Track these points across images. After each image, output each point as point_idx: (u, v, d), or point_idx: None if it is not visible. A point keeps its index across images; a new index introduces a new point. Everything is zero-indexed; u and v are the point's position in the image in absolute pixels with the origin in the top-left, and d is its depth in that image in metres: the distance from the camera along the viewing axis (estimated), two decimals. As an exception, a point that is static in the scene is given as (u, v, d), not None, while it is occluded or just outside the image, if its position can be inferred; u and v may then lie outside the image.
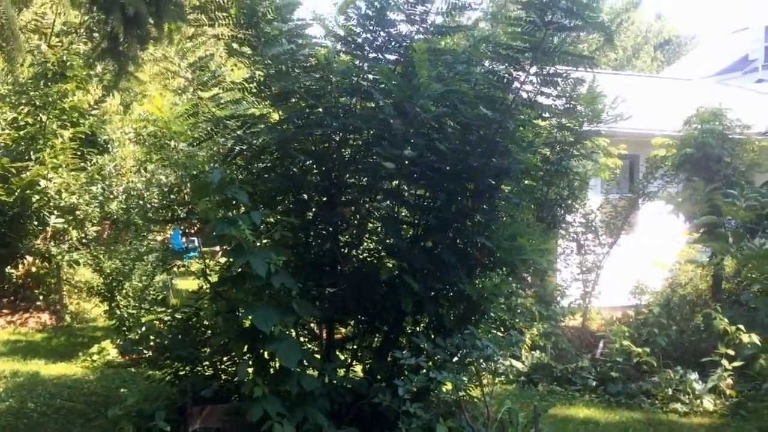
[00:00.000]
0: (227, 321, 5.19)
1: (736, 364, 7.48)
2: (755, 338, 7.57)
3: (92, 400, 7.42)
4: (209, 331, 6.29)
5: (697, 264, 9.65)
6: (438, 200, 5.01)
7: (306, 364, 5.11)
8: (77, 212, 10.48)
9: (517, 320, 5.95)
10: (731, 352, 7.50)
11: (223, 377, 5.89)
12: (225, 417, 5.19)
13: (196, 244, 15.99)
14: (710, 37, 29.87)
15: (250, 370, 5.14)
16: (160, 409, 5.44)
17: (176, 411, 5.62)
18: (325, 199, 5.84)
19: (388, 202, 5.39)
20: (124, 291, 10.02)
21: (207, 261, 6.79)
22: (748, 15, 20.58)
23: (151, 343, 9.55)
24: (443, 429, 4.56)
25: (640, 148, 11.49)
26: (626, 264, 10.33)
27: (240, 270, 4.77)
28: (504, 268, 5.28)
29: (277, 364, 4.85)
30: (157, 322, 9.55)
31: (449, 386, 5.20)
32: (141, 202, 11.75)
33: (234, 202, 5.58)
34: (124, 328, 9.95)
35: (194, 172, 4.97)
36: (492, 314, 5.38)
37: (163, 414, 5.38)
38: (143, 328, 9.75)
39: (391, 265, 4.85)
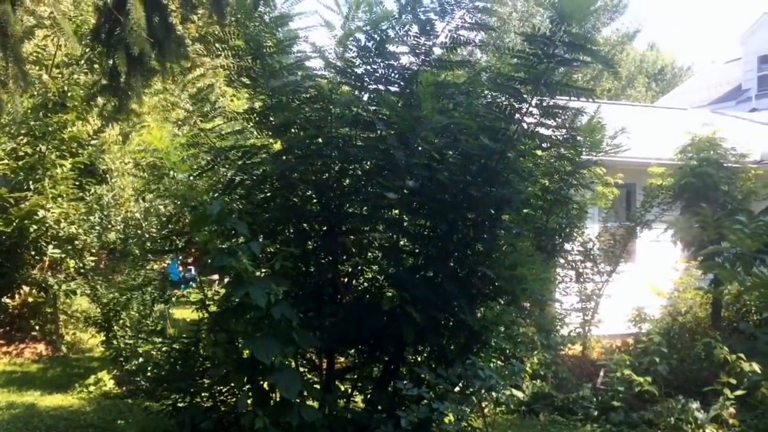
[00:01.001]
0: (227, 352, 5.17)
1: (738, 392, 7.45)
2: (756, 367, 7.55)
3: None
4: (208, 362, 6.27)
5: (703, 291, 9.65)
6: (439, 230, 5.02)
7: (306, 395, 5.08)
8: (76, 242, 10.45)
9: (518, 349, 5.91)
10: (733, 381, 7.47)
11: (222, 409, 5.84)
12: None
13: (194, 273, 15.98)
14: (704, 67, 30.24)
15: (250, 401, 5.11)
16: (160, 440, 5.38)
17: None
18: (325, 228, 5.86)
19: (388, 232, 5.40)
20: (121, 321, 9.97)
21: (206, 291, 6.79)
22: (741, 45, 20.86)
23: (149, 374, 9.53)
24: (446, 460, 4.52)
25: (636, 176, 11.57)
26: (625, 292, 10.32)
27: (239, 300, 4.76)
28: (505, 297, 5.29)
29: (278, 395, 4.82)
30: (154, 353, 9.55)
31: (451, 417, 5.17)
32: (139, 232, 11.75)
33: (233, 231, 5.62)
34: (121, 359, 9.88)
35: (194, 204, 4.98)
36: (493, 344, 5.35)
37: (162, 445, 5.32)
38: (140, 359, 9.71)
39: (392, 295, 4.84)
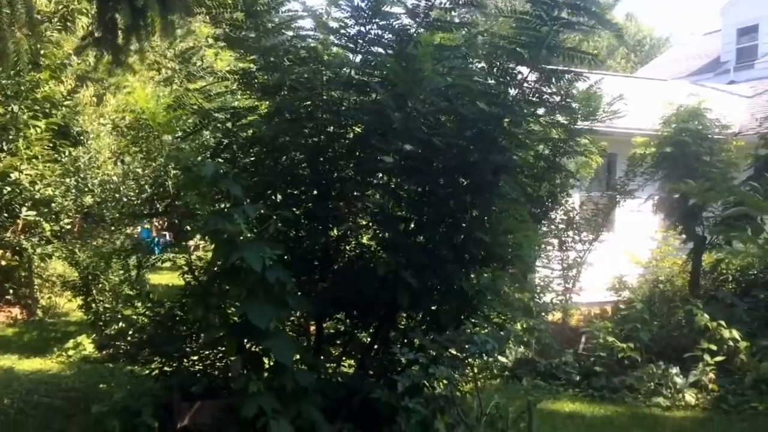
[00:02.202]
0: (219, 317, 5.09)
1: (719, 359, 7.61)
2: (736, 333, 7.71)
3: (71, 396, 7.24)
4: (194, 327, 6.19)
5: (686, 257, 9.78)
6: (435, 195, 4.97)
7: (299, 359, 5.04)
8: (52, 204, 10.20)
9: (517, 315, 5.95)
10: (714, 347, 7.62)
11: (212, 373, 5.78)
12: (217, 413, 5.09)
13: (168, 239, 15.82)
14: (682, 39, 30.37)
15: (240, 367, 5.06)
16: (147, 405, 5.31)
17: (163, 407, 5.49)
18: (315, 193, 5.76)
19: (382, 198, 5.33)
20: (100, 285, 9.82)
21: (191, 256, 6.68)
22: (720, 17, 20.93)
23: (130, 338, 9.43)
24: (441, 425, 4.54)
25: (618, 147, 11.60)
26: (604, 261, 10.43)
27: (233, 265, 4.66)
28: (499, 263, 5.27)
29: (271, 360, 4.77)
30: (136, 317, 9.43)
31: (443, 382, 5.18)
32: (117, 196, 11.54)
33: (218, 196, 5.50)
34: (101, 323, 9.75)
35: (186, 165, 4.85)
36: (486, 309, 5.36)
37: (150, 410, 5.26)
38: (121, 323, 9.59)
39: (387, 260, 4.79)
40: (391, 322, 5.58)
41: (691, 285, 9.94)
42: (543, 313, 9.03)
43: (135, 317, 9.62)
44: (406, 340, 5.27)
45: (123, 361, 8.93)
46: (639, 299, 8.62)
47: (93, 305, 9.66)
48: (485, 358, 4.76)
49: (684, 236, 9.94)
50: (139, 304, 10.28)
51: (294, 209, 5.62)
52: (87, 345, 9.39)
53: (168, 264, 10.94)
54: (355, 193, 5.64)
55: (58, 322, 11.75)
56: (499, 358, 7.55)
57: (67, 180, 10.91)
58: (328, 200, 5.59)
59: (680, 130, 9.54)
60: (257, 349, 4.81)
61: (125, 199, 11.35)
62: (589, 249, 10.05)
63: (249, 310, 4.45)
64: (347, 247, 5.87)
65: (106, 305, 9.87)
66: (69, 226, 11.44)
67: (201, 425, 4.96)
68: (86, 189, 11.26)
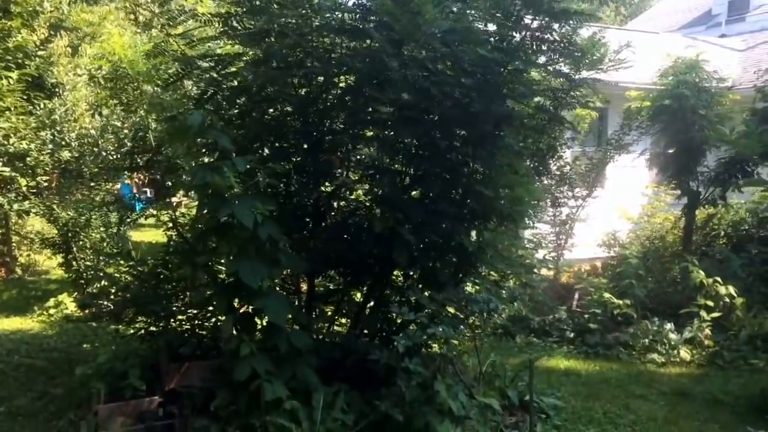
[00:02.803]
0: (208, 276, 4.85)
1: (714, 315, 7.53)
2: (732, 289, 7.63)
3: (53, 357, 7.02)
4: (179, 285, 5.95)
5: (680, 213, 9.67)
6: (435, 148, 4.70)
7: (290, 319, 4.83)
8: (28, 159, 9.79)
9: (508, 273, 5.77)
10: (710, 303, 7.54)
11: (201, 333, 5.57)
12: (206, 374, 4.89)
13: (149, 194, 15.41)
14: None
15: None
16: (133, 367, 5.09)
17: (150, 369, 5.29)
18: (306, 146, 5.47)
19: (378, 151, 5.05)
20: (80, 243, 9.51)
21: (175, 212, 6.41)
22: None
23: (113, 297, 9.17)
24: (441, 386, 4.37)
25: (609, 101, 11.35)
26: (595, 217, 10.28)
27: (223, 221, 4.40)
28: (499, 220, 5.06)
29: (264, 320, 4.54)
30: (118, 275, 9.15)
31: (440, 341, 5.02)
32: (95, 150, 11.12)
33: (204, 150, 5.19)
34: (82, 281, 9.48)
35: (171, 114, 4.52)
36: (484, 267, 5.17)
37: (137, 372, 5.05)
38: (103, 282, 9.32)
39: (384, 217, 4.55)
40: (386, 280, 5.38)
41: (684, 241, 9.83)
42: (535, 270, 8.88)
43: (118, 275, 9.37)
44: (402, 299, 5.08)
45: (106, 321, 8.64)
46: (634, 255, 8.48)
47: (74, 263, 9.37)
48: (487, 317, 4.58)
49: (678, 191, 9.78)
50: (122, 262, 10.08)
51: (283, 164, 5.35)
52: (68, 304, 9.13)
53: (150, 221, 10.67)
54: (348, 146, 5.37)
55: (38, 280, 11.44)
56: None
57: (43, 133, 10.45)
58: (319, 154, 5.31)
59: (678, 83, 9.28)
60: (248, 309, 4.58)
61: (104, 154, 10.94)
62: (582, 205, 9.88)
63: (240, 269, 4.20)
64: (340, 203, 5.61)
65: (88, 263, 9.59)
66: (46, 183, 11.05)
67: (190, 387, 4.76)
68: (63, 143, 10.81)
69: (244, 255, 4.31)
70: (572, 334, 8.04)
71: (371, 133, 5.38)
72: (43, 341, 7.58)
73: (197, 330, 5.64)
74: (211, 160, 4.63)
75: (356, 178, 5.46)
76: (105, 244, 9.93)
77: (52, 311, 8.93)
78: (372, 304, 5.53)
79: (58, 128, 10.69)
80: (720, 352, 7.31)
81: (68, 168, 11.40)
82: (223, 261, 4.95)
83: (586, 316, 8.10)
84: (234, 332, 4.61)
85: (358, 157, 5.34)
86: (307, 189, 5.44)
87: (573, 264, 10.47)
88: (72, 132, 10.93)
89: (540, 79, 5.41)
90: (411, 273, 5.28)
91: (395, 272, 5.37)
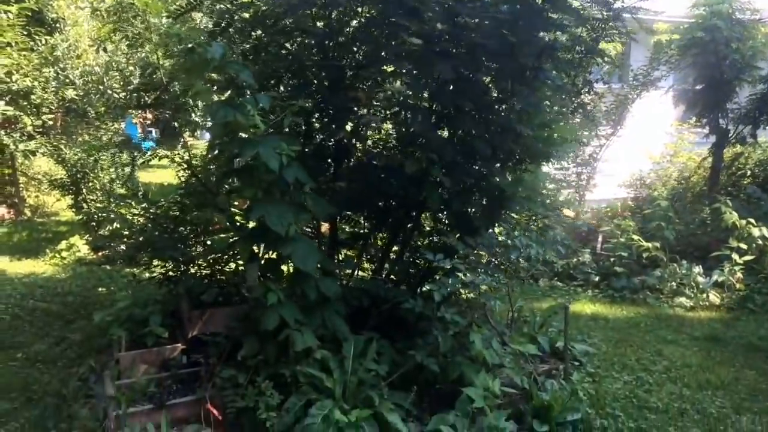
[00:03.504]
0: (229, 220, 4.61)
1: (747, 258, 7.31)
2: (765, 231, 7.38)
3: (69, 301, 6.87)
4: (198, 228, 5.73)
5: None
6: (470, 83, 4.37)
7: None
8: (32, 97, 9.44)
9: (547, 213, 5.52)
10: (744, 246, 7.31)
11: (221, 279, 5.37)
12: (229, 321, 4.71)
13: (154, 134, 15.01)
14: None
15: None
16: (154, 313, 4.91)
17: (170, 315, 5.11)
18: (327, 83, 5.14)
19: (409, 86, 4.70)
20: (90, 184, 9.27)
21: (190, 152, 6.11)
22: None
23: (125, 240, 8.99)
24: (477, 335, 4.18)
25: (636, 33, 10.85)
26: (617, 157, 9.95)
27: (246, 163, 4.13)
28: (536, 160, 4.78)
29: (289, 267, 4.32)
30: (131, 218, 8.94)
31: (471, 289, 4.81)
32: (101, 88, 10.76)
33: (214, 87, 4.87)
34: (93, 224, 9.30)
35: (189, 46, 4.17)
36: (518, 209, 4.91)
37: (158, 319, 4.86)
38: (115, 224, 9.12)
39: (417, 158, 4.26)
40: (414, 224, 5.13)
41: (711, 181, 9.55)
42: (558, 211, 8.62)
43: (131, 218, 9.17)
44: (435, 243, 4.85)
45: (120, 264, 8.53)
46: (663, 197, 8.20)
47: (84, 205, 9.16)
48: (526, 263, 4.35)
49: (704, 129, 9.43)
50: (133, 204, 9.86)
51: (304, 100, 5.02)
52: (81, 246, 8.97)
53: (156, 162, 10.39)
54: (374, 81, 5.02)
55: (47, 222, 11.26)
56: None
57: (46, 71, 10.07)
58: (342, 90, 4.96)
59: (711, 14, 8.81)
60: (274, 255, 4.34)
61: (110, 92, 10.60)
62: (605, 144, 9.54)
63: (266, 214, 3.95)
64: (365, 144, 5.32)
65: (98, 205, 9.39)
66: (51, 122, 10.73)
67: (215, 334, 4.57)
68: (67, 81, 10.44)
69: (269, 199, 4.06)
70: (597, 278, 7.85)
71: (394, 68, 5.01)
72: (58, 285, 7.42)
73: (218, 276, 5.45)
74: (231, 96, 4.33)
75: (383, 116, 5.13)
76: (115, 185, 9.70)
77: (64, 254, 8.77)
78: (398, 249, 5.29)
79: (61, 65, 10.30)
80: (751, 295, 7.12)
81: (72, 107, 11.07)
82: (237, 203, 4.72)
83: (612, 259, 7.89)
84: (259, 280, 4.39)
85: (387, 93, 4.99)
86: (330, 128, 5.13)
87: (595, 205, 10.21)
88: (76, 69, 10.55)
89: (579, 7, 5.01)
90: (440, 217, 5.03)
91: (423, 216, 5.12)
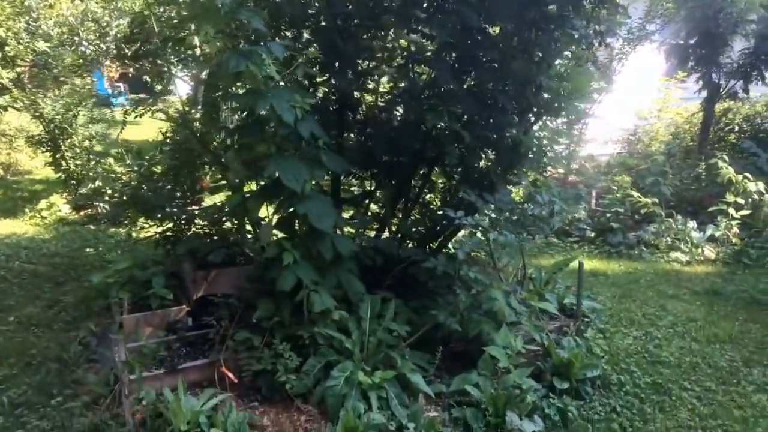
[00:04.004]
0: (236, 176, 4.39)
1: (744, 212, 7.34)
2: (762, 186, 7.40)
3: (56, 262, 6.61)
4: (189, 185, 5.51)
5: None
6: (487, 35, 4.18)
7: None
8: (6, 48, 8.95)
9: (557, 168, 5.42)
10: (741, 201, 7.33)
11: (226, 238, 5.17)
12: (237, 282, 4.55)
13: (123, 90, 14.39)
14: None
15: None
16: (157, 275, 4.73)
17: (171, 277, 4.93)
18: (340, 31, 4.85)
19: (426, 37, 4.49)
20: (69, 140, 8.90)
21: (185, 107, 5.83)
22: None
23: (108, 198, 8.70)
24: (498, 293, 4.09)
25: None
26: (609, 112, 9.87)
27: (258, 117, 3.91)
28: (553, 113, 4.65)
29: (302, 225, 4.13)
30: (114, 175, 8.65)
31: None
32: (76, 39, 10.26)
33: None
34: (73, 182, 8.97)
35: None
36: (534, 165, 4.80)
37: (162, 280, 4.68)
38: (97, 182, 8.82)
39: (438, 111, 4.08)
40: (425, 181, 4.99)
41: (701, 136, 9.55)
42: (550, 167, 8.55)
43: (114, 175, 8.87)
44: (445, 201, 4.72)
45: (105, 223, 8.27)
46: (660, 152, 8.17)
47: (63, 163, 8.80)
48: (552, 219, 4.25)
49: (699, 83, 9.38)
50: (112, 161, 9.52)
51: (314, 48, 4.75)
52: (61, 206, 8.65)
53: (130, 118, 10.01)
54: (392, 30, 4.78)
55: (21, 180, 10.84)
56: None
57: (16, 21, 9.54)
58: (355, 38, 4.70)
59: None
60: (286, 214, 4.16)
61: (85, 44, 10.12)
62: (598, 99, 9.43)
63: (281, 170, 3.77)
64: (378, 98, 5.11)
65: (77, 162, 9.04)
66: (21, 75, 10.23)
67: (224, 295, 4.40)
68: (39, 32, 9.92)
69: (283, 155, 3.87)
70: (593, 234, 7.83)
71: (420, 14, 4.76)
72: (42, 246, 7.14)
73: (217, 235, 5.24)
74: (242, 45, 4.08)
75: (397, 68, 4.90)
76: (94, 141, 9.34)
77: (44, 213, 8.44)
78: (406, 207, 5.16)
79: (33, 15, 9.77)
80: (746, 249, 7.17)
81: (41, 61, 10.56)
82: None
83: (608, 215, 7.85)
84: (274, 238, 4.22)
85: (404, 42, 4.77)
86: (342, 80, 4.88)
87: (586, 161, 10.16)
88: (49, 20, 10.03)
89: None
90: (453, 173, 4.89)
91: (435, 171, 4.98)
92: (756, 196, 7.38)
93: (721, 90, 9.26)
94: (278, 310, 4.03)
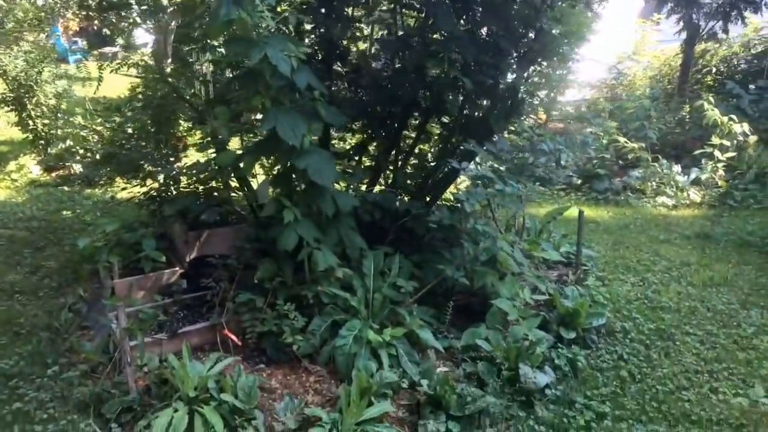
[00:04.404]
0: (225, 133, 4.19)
1: (729, 154, 7.36)
2: (747, 127, 7.41)
3: (34, 226, 6.36)
4: (162, 142, 5.27)
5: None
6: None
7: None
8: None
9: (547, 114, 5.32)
10: (727, 143, 7.34)
11: (204, 196, 4.97)
12: (232, 242, 4.40)
13: (81, 45, 13.84)
14: None
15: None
16: (147, 237, 4.54)
17: (161, 238, 4.75)
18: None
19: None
20: (35, 99, 8.50)
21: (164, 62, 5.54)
22: None
23: (79, 158, 8.38)
24: (505, 243, 4.02)
25: None
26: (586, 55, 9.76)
27: (250, 68, 3.70)
28: (549, 59, 4.51)
29: (301, 182, 3.97)
30: (85, 134, 8.33)
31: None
32: (33, -10, 9.72)
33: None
34: (42, 142, 8.61)
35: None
36: (530, 111, 4.69)
37: (153, 243, 4.50)
38: (68, 141, 8.48)
39: (439, 58, 3.91)
40: (420, 131, 4.85)
41: (681, 78, 9.50)
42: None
43: (85, 133, 8.54)
44: (440, 151, 4.60)
45: (79, 184, 7.98)
46: (646, 96, 8.11)
47: (30, 122, 8.43)
48: (558, 166, 4.17)
49: (680, 24, 9.28)
50: (81, 119, 9.15)
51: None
52: (32, 167, 8.32)
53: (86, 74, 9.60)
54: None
55: (-16, 142, 10.40)
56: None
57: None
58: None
59: None
60: (284, 170, 3.99)
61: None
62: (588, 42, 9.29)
63: (278, 122, 3.59)
64: (372, 45, 4.90)
65: (45, 121, 8.67)
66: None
67: (214, 255, 4.26)
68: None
69: (279, 108, 3.69)
70: (579, 181, 7.80)
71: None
72: (16, 209, 6.86)
73: (201, 195, 5.02)
74: None
75: (387, 10, 4.69)
76: (62, 99, 8.95)
77: (14, 176, 8.12)
78: (401, 159, 5.03)
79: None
80: (730, 192, 7.21)
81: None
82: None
83: (594, 161, 7.82)
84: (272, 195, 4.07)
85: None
86: (332, 28, 4.66)
87: (563, 106, 10.06)
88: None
89: None
90: (448, 122, 4.75)
91: (432, 120, 4.84)
92: (741, 138, 7.40)
93: (701, 31, 9.19)
94: (280, 270, 3.91)
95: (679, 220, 6.74)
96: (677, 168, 7.52)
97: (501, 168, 4.03)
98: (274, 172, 4.10)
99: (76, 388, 3.59)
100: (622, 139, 7.58)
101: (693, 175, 7.44)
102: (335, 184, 4.48)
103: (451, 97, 4.12)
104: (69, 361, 3.91)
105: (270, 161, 4.57)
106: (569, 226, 6.36)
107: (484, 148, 4.09)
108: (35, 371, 3.83)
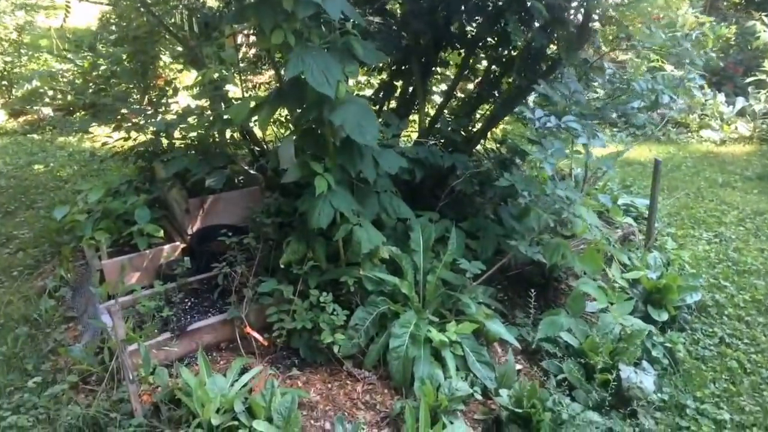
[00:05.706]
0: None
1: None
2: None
3: (1, 185, 5.50)
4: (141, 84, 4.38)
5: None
6: None
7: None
8: None
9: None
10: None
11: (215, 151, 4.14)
12: (242, 211, 3.61)
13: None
14: None
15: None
16: (139, 206, 3.74)
17: (155, 205, 3.95)
18: None
19: None
20: (-7, 34, 7.48)
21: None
22: None
23: (49, 101, 7.41)
24: (584, 210, 3.27)
25: None
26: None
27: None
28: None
29: (336, 141, 3.14)
30: (53, 70, 7.36)
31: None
32: None
33: None
34: (5, 83, 7.62)
35: None
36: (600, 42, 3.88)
37: (146, 213, 3.71)
38: (34, 82, 7.48)
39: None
40: (463, 67, 4.02)
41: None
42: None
43: (53, 70, 7.54)
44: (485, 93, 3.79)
45: (50, 132, 7.04)
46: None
47: (-10, 62, 7.43)
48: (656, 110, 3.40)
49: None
50: (48, 56, 8.10)
51: None
52: (-4, 113, 7.36)
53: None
54: None
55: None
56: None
57: None
58: None
59: None
60: (314, 125, 3.16)
61: None
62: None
63: (306, 68, 2.74)
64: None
65: (6, 59, 7.65)
66: None
67: (231, 234, 3.46)
68: None
69: (306, 45, 2.83)
70: (614, 114, 6.98)
71: None
72: (-16, 167, 5.97)
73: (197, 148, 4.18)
74: None
75: None
76: (23, 32, 7.90)
77: (-23, 124, 7.17)
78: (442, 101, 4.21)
79: None
80: (780, 124, 6.50)
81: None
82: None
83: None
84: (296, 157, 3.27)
85: None
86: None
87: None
88: None
89: None
90: (502, 56, 3.92)
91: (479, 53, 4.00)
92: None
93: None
94: (310, 250, 3.14)
95: (733, 158, 6.03)
96: (721, 97, 6.75)
97: (583, 113, 3.24)
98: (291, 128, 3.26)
99: (65, 407, 2.86)
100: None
101: (739, 105, 6.68)
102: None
103: (510, 24, 3.25)
104: (54, 367, 3.16)
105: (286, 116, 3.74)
106: (622, 170, 5.64)
107: (558, 90, 3.31)
108: (13, 381, 3.08)
